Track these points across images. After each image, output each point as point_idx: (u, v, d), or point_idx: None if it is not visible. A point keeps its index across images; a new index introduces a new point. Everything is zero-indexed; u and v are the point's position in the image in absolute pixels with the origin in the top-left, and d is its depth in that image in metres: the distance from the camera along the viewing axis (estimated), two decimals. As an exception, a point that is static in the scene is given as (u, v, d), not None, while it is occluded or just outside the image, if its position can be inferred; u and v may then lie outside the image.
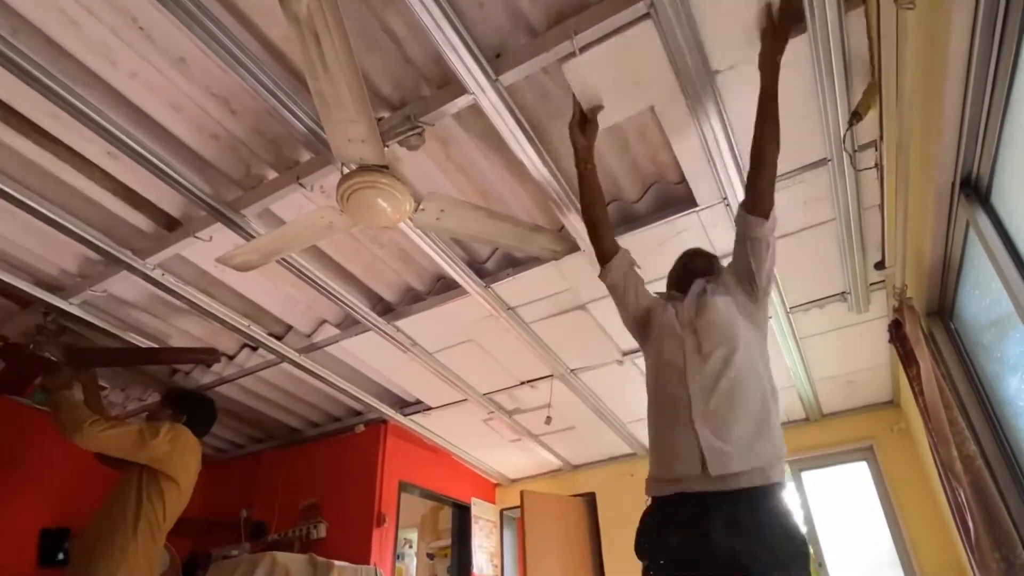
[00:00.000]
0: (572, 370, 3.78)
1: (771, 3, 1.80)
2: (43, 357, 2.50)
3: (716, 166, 2.33)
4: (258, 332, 3.14)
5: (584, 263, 2.84)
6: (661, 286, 3.03)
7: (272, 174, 2.30)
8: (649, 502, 1.62)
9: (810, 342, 3.58)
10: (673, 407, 1.62)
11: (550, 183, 2.32)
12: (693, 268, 1.95)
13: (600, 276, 1.98)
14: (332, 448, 4.38)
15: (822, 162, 2.41)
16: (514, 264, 2.93)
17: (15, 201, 2.14)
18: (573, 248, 2.41)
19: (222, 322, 2.97)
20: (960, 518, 2.43)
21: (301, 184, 2.19)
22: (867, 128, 2.22)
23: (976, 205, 1.90)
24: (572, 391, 3.94)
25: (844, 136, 2.22)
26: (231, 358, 3.49)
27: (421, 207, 2.05)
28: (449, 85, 1.96)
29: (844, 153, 2.30)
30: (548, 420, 4.04)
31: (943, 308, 2.65)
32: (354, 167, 2.02)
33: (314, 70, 1.51)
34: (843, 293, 3.19)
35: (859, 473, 4.44)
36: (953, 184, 1.93)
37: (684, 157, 2.33)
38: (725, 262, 2.82)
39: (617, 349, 3.62)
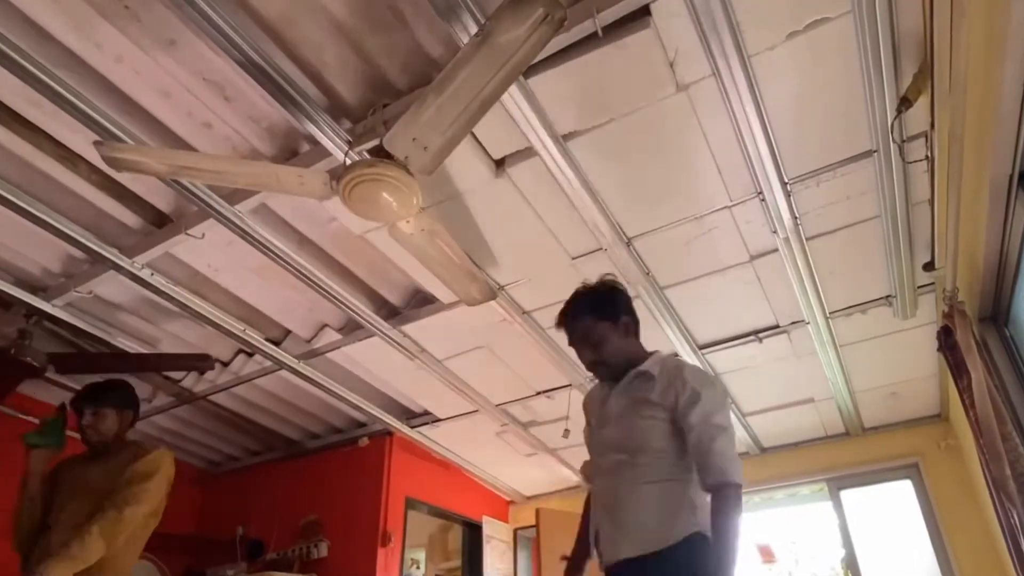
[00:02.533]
0: (591, 380, 3.70)
1: None
2: (25, 363, 2.48)
3: (750, 156, 2.26)
4: (255, 337, 3.11)
5: (608, 265, 2.78)
6: (682, 291, 3.02)
7: (269, 166, 2.26)
8: None
9: (851, 350, 3.50)
10: (596, 491, 1.73)
11: (567, 174, 2.26)
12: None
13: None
14: (334, 462, 4.34)
15: (867, 154, 2.34)
16: (529, 265, 2.86)
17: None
18: (490, 299, 2.59)
19: (216, 326, 2.94)
20: (1012, 541, 2.38)
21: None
22: (917, 116, 2.15)
23: (1037, 199, 1.82)
24: (591, 402, 3.87)
25: (892, 125, 2.15)
26: (225, 365, 3.46)
27: (408, 219, 2.04)
28: (459, 69, 1.90)
29: (892, 144, 2.23)
30: (566, 433, 3.98)
31: (997, 313, 2.56)
32: (357, 158, 1.98)
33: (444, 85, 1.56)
34: (888, 297, 3.11)
35: (902, 492, 4.34)
36: (1011, 177, 1.85)
37: (716, 147, 2.26)
38: (758, 263, 2.83)
39: (640, 357, 3.55)
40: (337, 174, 1.90)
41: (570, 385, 3.75)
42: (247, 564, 4.09)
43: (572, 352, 3.36)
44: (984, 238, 2.15)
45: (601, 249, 2.70)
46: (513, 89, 1.91)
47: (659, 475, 1.61)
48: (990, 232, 2.11)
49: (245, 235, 2.43)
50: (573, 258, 2.78)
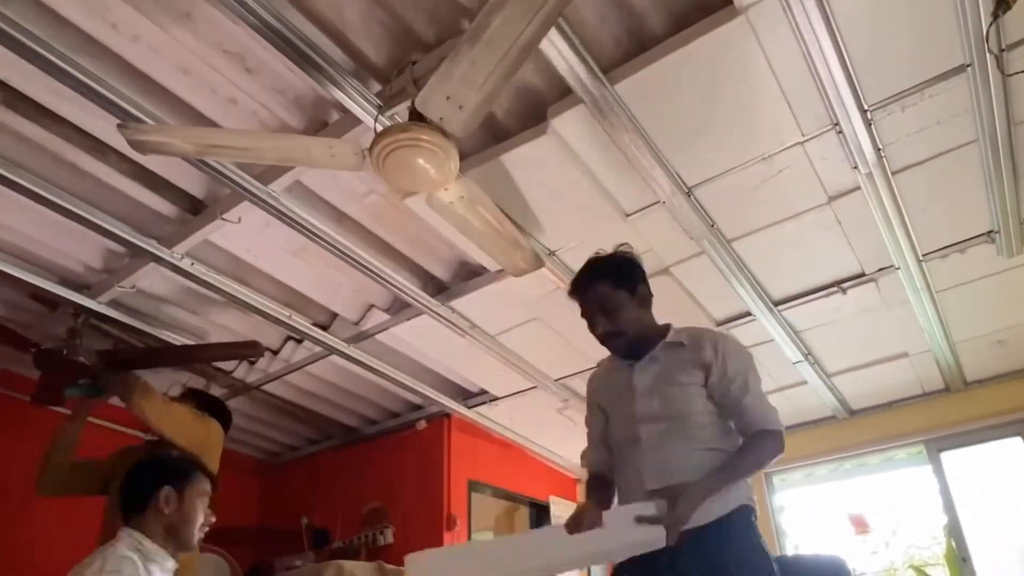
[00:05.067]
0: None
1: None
2: (78, 363, 2.59)
3: (822, 82, 2.11)
4: (301, 322, 3.15)
5: (666, 219, 2.67)
6: (752, 242, 2.89)
7: (299, 141, 2.25)
8: None
9: (949, 295, 3.29)
10: (626, 467, 1.75)
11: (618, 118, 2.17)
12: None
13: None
14: (393, 447, 4.42)
15: (959, 69, 2.15)
16: (581, 226, 2.78)
17: (28, 193, 2.18)
18: (537, 267, 2.55)
19: (262, 314, 3.00)
20: None
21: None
22: (1018, 21, 1.96)
23: None
24: (658, 371, 3.79)
25: (987, 33, 1.96)
26: (275, 353, 3.53)
27: (446, 187, 2.01)
28: (490, 13, 1.84)
29: (988, 55, 2.04)
30: (631, 405, 3.91)
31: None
32: (388, 124, 1.95)
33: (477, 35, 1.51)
34: (990, 232, 2.91)
35: (1012, 451, 4.12)
36: None
37: (782, 75, 2.12)
38: (838, 204, 2.67)
39: (710, 318, 3.44)
40: (369, 142, 1.87)
41: (633, 354, 3.68)
42: (314, 553, 4.23)
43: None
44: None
45: (659, 202, 2.60)
46: (557, 38, 1.83)
47: (709, 442, 1.69)
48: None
49: (281, 216, 2.44)
50: (628, 215, 2.69)
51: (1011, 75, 2.15)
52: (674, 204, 2.58)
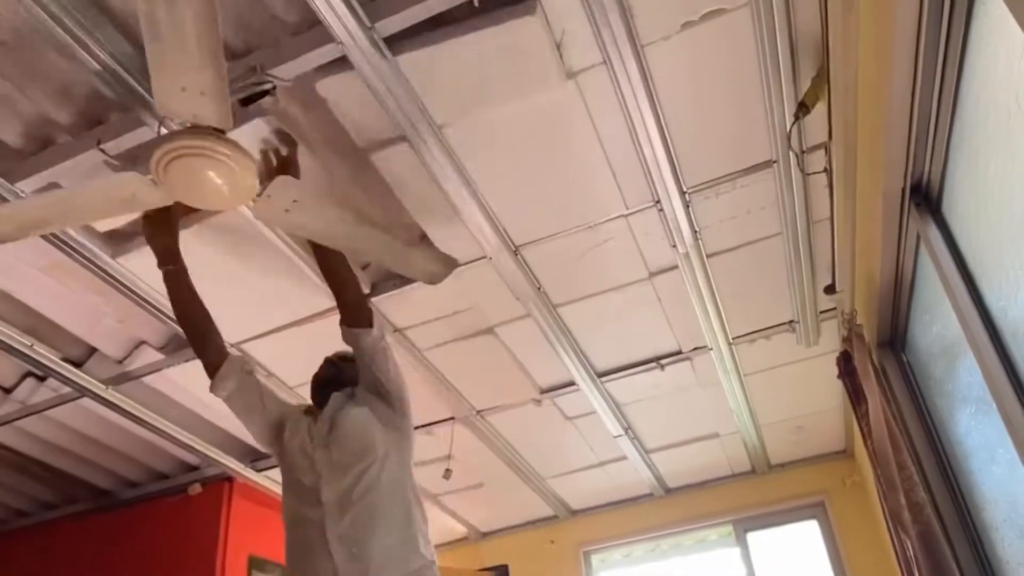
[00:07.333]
0: (478, 411, 3.66)
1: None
2: None
3: (645, 159, 2.31)
4: (47, 355, 2.82)
5: (492, 275, 2.74)
6: (578, 310, 3.06)
7: (64, 137, 2.06)
8: None
9: (756, 379, 3.66)
10: (307, 532, 1.93)
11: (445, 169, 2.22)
12: (323, 378, 2.23)
13: (211, 391, 2.12)
14: (156, 515, 4.05)
15: (766, 164, 2.45)
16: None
17: None
18: (454, 268, 2.38)
19: (-7, 341, 2.64)
20: (908, 573, 2.52)
21: (103, 151, 1.97)
22: (817, 125, 2.27)
23: (927, 216, 1.94)
24: (479, 438, 3.84)
25: (790, 133, 2.25)
26: (8, 391, 3.13)
27: (267, 193, 1.90)
28: (310, 30, 1.84)
29: (791, 153, 2.34)
30: (448, 474, 3.91)
31: (895, 338, 2.74)
32: (176, 127, 1.83)
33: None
34: (791, 322, 3.28)
35: (809, 533, 4.60)
36: (903, 191, 1.94)
37: (609, 146, 2.30)
38: (658, 280, 2.90)
39: (534, 385, 3.54)
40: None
41: (453, 418, 3.69)
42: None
43: (453, 378, 3.35)
44: (880, 258, 2.28)
45: (485, 258, 2.67)
46: (381, 66, 1.86)
47: (392, 493, 1.97)
48: (885, 251, 2.23)
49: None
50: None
51: (810, 175, 2.47)
52: (500, 261, 2.67)
